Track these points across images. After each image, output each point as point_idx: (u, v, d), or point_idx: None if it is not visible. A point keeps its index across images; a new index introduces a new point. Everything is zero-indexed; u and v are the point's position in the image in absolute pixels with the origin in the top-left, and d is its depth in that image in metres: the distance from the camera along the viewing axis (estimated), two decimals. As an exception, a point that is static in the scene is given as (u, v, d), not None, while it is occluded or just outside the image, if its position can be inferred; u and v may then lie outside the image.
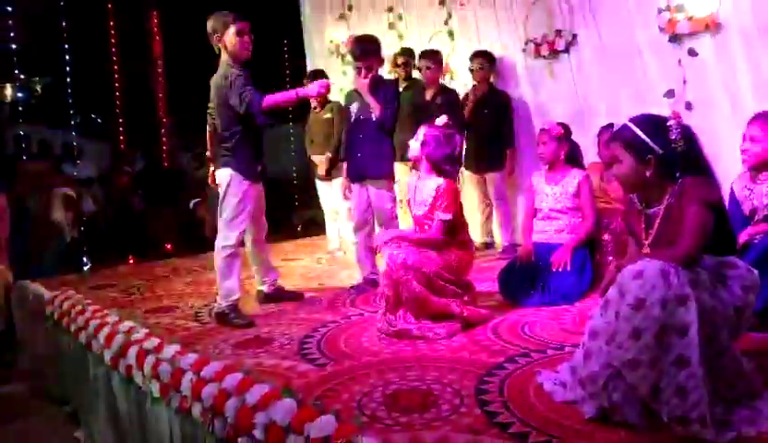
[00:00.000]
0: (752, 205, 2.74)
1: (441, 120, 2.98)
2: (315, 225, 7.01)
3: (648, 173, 1.96)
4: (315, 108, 5.19)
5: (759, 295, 2.45)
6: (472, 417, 1.92)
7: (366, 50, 3.70)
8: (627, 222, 2.22)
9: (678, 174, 1.97)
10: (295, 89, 3.32)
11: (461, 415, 1.94)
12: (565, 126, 3.46)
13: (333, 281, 4.20)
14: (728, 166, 3.21)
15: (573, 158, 3.49)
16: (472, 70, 4.87)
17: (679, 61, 4.00)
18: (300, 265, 4.92)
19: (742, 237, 2.72)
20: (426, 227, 2.96)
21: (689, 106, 3.99)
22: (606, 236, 3.38)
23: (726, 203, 2.86)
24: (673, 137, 1.93)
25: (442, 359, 2.47)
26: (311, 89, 3.28)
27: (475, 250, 3.21)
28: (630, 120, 2.01)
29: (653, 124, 1.98)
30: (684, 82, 4.01)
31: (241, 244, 3.37)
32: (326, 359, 2.55)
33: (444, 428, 1.85)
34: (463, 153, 4.59)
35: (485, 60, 4.81)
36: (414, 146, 2.99)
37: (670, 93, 4.04)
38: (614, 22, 4.36)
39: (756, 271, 1.94)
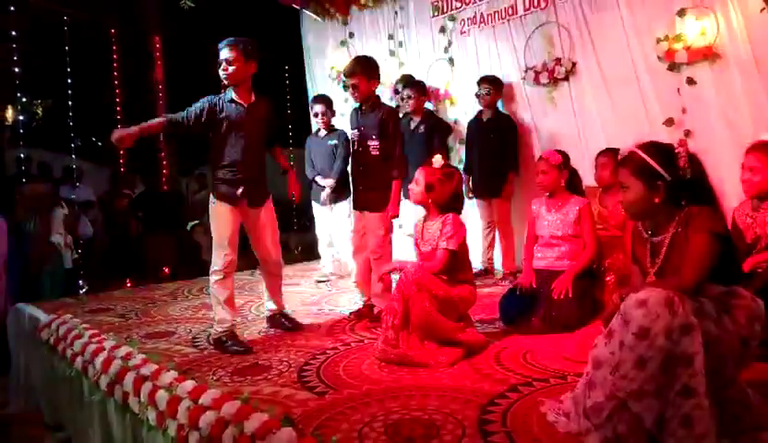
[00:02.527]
0: (755, 233, 2.74)
1: (438, 161, 2.98)
2: (313, 249, 6.99)
3: (657, 200, 1.96)
4: (318, 131, 5.19)
5: (765, 325, 2.45)
6: (475, 448, 1.89)
7: (351, 68, 3.69)
8: (631, 250, 2.21)
9: (684, 202, 1.97)
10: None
11: (463, 446, 1.90)
12: (564, 154, 3.47)
13: (332, 306, 4.17)
14: (729, 194, 3.21)
15: (573, 185, 3.50)
16: (478, 95, 4.89)
17: (678, 90, 4.04)
18: (298, 290, 4.88)
19: (746, 266, 2.72)
20: None
21: (688, 134, 4.02)
22: (608, 277, 3.35)
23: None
24: (681, 165, 1.93)
25: (444, 388, 2.43)
26: None
27: (474, 277, 3.20)
28: (638, 147, 2.02)
29: (661, 151, 1.99)
30: (683, 111, 4.04)
31: (231, 268, 3.30)
32: (325, 387, 2.51)
33: (446, 459, 1.82)
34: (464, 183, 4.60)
35: (491, 85, 4.83)
36: (417, 191, 2.99)
37: (669, 122, 4.07)
38: (613, 51, 4.41)
39: (761, 301, 1.93)
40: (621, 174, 2.04)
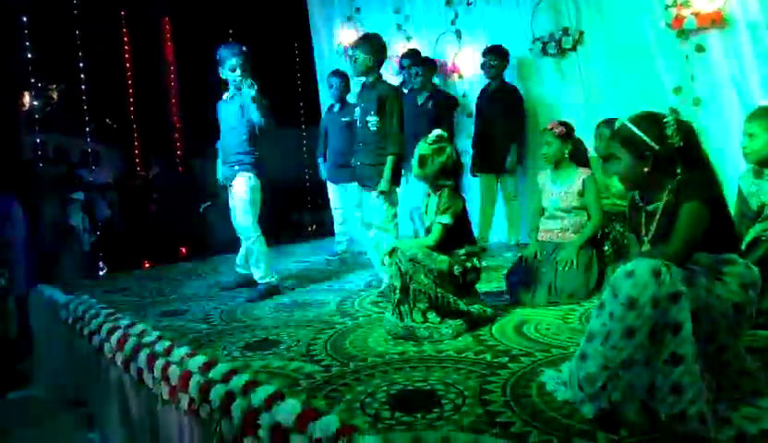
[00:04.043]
0: (760, 201, 2.72)
1: (432, 135, 2.99)
2: (326, 226, 7.05)
3: (646, 170, 1.98)
4: (333, 107, 5.18)
5: (762, 293, 2.44)
6: (474, 416, 1.93)
7: (355, 41, 3.89)
8: (628, 219, 2.22)
9: (678, 171, 1.98)
10: None
11: (463, 415, 1.95)
12: (567, 125, 3.46)
13: (342, 282, 4.23)
14: (737, 161, 3.20)
15: (578, 156, 3.49)
16: (483, 66, 4.85)
17: (687, 57, 3.99)
18: (309, 266, 4.95)
19: (750, 234, 2.71)
20: None
21: (696, 102, 3.98)
22: (606, 247, 3.35)
23: (735, 199, 2.85)
24: (669, 134, 1.94)
25: (447, 359, 2.48)
26: None
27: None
28: (628, 118, 2.03)
29: (649, 120, 2.00)
30: (692, 78, 3.99)
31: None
32: (332, 360, 2.57)
33: (446, 428, 1.87)
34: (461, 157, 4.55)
35: (496, 56, 4.78)
36: (414, 166, 3.02)
37: (678, 90, 4.03)
38: (621, 19, 4.36)
39: (756, 268, 1.94)
40: (612, 146, 2.06)
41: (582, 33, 4.58)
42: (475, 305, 2.87)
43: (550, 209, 3.46)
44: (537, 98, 4.97)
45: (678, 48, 4.03)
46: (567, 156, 3.42)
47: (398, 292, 2.82)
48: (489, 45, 4.86)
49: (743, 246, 2.61)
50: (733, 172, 3.28)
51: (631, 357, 1.71)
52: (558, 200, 3.42)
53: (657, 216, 2.01)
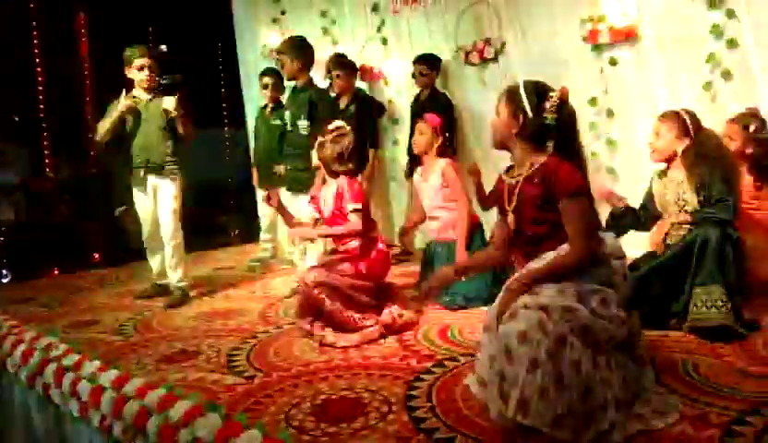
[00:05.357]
0: (665, 200, 2.87)
1: (333, 125, 3.01)
2: (251, 232, 6.89)
3: (513, 131, 2.01)
4: (265, 108, 5.05)
5: (673, 296, 2.58)
6: (399, 424, 1.92)
7: (280, 45, 3.91)
8: (493, 193, 2.23)
9: (549, 149, 2.01)
10: None
11: (388, 423, 1.94)
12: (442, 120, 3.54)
13: (266, 289, 4.13)
14: (648, 170, 3.35)
15: (446, 155, 3.55)
16: (414, 75, 4.86)
17: (602, 70, 4.16)
18: (232, 273, 4.81)
19: (657, 236, 2.87)
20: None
21: (610, 113, 4.15)
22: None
23: (643, 199, 2.99)
24: (546, 107, 1.96)
25: (373, 366, 2.47)
26: None
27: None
28: (525, 79, 2.07)
29: (536, 87, 2.02)
30: (606, 90, 4.17)
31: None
32: (255, 371, 2.50)
33: (371, 437, 1.85)
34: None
35: (427, 65, 4.79)
36: (313, 153, 3.02)
37: (593, 101, 4.19)
38: (540, 31, 4.48)
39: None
40: (499, 98, 2.08)
41: (503, 44, 4.69)
42: (370, 320, 2.87)
43: (428, 210, 3.50)
44: (461, 106, 5.03)
45: (593, 61, 4.20)
46: (435, 150, 3.46)
47: (307, 311, 2.86)
48: (421, 54, 4.86)
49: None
50: (643, 182, 3.43)
51: (556, 414, 1.67)
52: (429, 199, 3.46)
53: (518, 187, 2.03)
